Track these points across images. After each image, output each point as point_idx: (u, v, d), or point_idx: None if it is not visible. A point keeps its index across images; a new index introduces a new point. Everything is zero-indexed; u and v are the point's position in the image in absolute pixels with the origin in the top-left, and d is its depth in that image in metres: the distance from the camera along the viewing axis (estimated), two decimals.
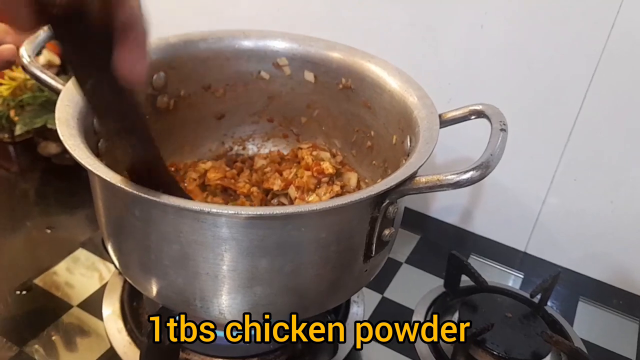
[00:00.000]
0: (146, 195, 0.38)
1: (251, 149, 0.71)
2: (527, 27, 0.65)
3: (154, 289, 0.47)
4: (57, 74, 0.87)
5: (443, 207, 0.81)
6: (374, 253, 0.46)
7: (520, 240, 0.78)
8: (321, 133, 0.68)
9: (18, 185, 0.81)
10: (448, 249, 0.66)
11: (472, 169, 0.41)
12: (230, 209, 0.40)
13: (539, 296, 0.64)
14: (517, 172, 0.74)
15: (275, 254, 0.42)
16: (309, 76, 0.64)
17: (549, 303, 0.66)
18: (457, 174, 0.40)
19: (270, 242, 0.41)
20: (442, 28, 0.70)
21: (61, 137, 0.44)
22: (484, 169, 0.41)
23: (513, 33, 0.66)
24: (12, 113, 0.82)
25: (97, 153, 0.53)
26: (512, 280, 0.72)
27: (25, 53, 0.53)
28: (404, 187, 0.42)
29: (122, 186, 0.39)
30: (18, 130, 0.79)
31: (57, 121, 0.46)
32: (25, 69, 0.53)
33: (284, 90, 0.66)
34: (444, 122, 0.52)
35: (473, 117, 0.52)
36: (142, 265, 0.47)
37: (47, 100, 0.79)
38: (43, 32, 0.55)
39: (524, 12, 0.64)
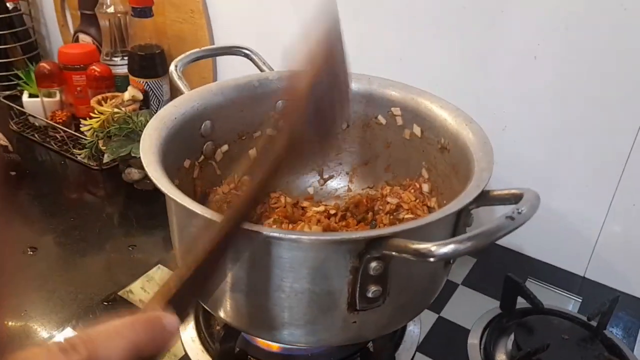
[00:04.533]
0: (210, 216, 0.43)
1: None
2: (581, 57, 0.67)
3: (218, 308, 0.52)
4: (140, 108, 0.97)
5: None
6: (358, 307, 0.46)
7: (579, 265, 0.78)
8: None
9: (104, 208, 0.89)
10: (504, 272, 0.67)
11: (455, 242, 0.39)
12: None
13: (597, 319, 0.64)
14: (575, 198, 0.75)
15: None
16: (417, 130, 0.66)
17: (609, 328, 0.66)
18: (437, 245, 0.39)
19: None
20: (496, 58, 0.73)
21: (144, 163, 0.50)
22: (469, 242, 0.39)
23: (567, 63, 0.68)
24: (100, 143, 0.91)
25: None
26: (571, 304, 0.72)
27: (174, 65, 0.67)
28: (379, 244, 0.42)
29: (192, 208, 0.44)
30: (106, 158, 0.88)
31: (141, 149, 0.53)
32: (171, 74, 0.66)
33: (397, 140, 0.69)
34: (482, 200, 0.49)
35: (512, 201, 0.47)
36: None
37: (132, 131, 0.88)
38: (190, 54, 0.68)
39: (577, 43, 0.67)
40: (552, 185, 0.75)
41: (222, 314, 0.52)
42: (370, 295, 0.46)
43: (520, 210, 0.42)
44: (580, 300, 0.73)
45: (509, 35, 0.71)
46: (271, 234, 0.43)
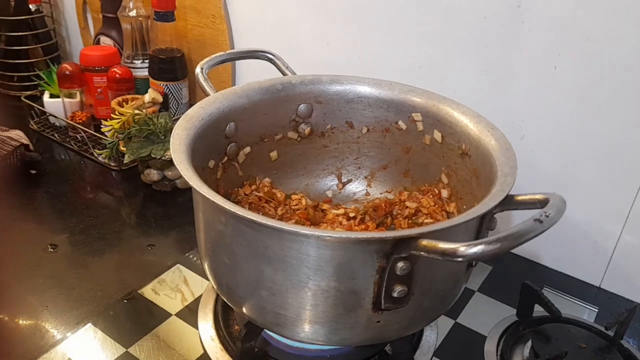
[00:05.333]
0: (241, 214, 0.44)
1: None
2: (601, 68, 0.68)
3: (242, 306, 0.53)
4: (159, 111, 0.98)
5: None
6: (383, 306, 0.47)
7: (595, 275, 0.78)
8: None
9: (123, 208, 0.90)
10: (520, 281, 0.68)
11: (484, 243, 0.40)
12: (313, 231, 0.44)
13: (614, 329, 0.64)
14: (592, 207, 0.75)
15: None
16: (437, 136, 0.66)
17: (625, 339, 0.66)
18: (466, 245, 0.40)
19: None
20: (516, 67, 0.74)
21: (175, 161, 0.51)
22: (497, 243, 0.40)
23: (587, 73, 0.69)
24: (121, 144, 0.92)
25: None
26: (587, 314, 0.73)
27: (199, 68, 0.68)
28: (407, 245, 0.43)
29: (219, 203, 0.45)
30: (126, 159, 0.89)
31: (171, 147, 0.53)
32: (197, 77, 0.67)
33: (417, 145, 0.70)
34: (507, 204, 0.50)
35: (537, 205, 0.48)
36: (230, 281, 0.53)
37: (152, 132, 0.89)
38: (215, 57, 0.70)
39: (598, 53, 0.67)
40: (569, 194, 0.74)
41: (245, 311, 0.53)
42: (395, 295, 0.46)
43: (548, 214, 0.43)
44: (597, 311, 0.73)
45: (529, 45, 0.72)
46: (300, 231, 0.44)
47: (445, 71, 0.80)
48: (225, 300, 0.56)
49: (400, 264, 0.45)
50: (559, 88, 0.72)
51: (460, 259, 0.40)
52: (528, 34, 0.71)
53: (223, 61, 0.71)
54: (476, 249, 0.40)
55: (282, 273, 0.48)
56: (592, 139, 0.72)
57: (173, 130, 0.56)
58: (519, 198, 0.50)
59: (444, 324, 0.68)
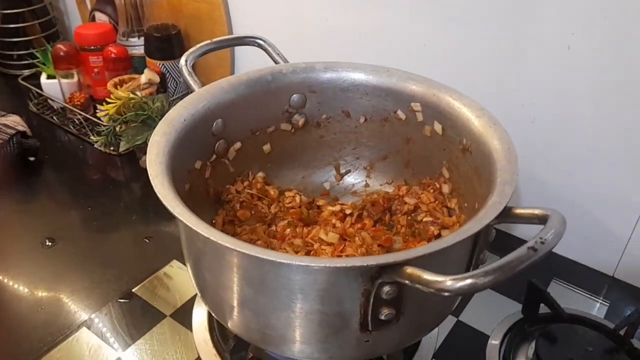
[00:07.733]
0: (215, 239, 0.41)
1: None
2: (619, 48, 0.62)
3: (228, 321, 0.51)
4: (158, 91, 0.95)
5: (527, 227, 0.79)
6: (370, 328, 0.45)
7: (609, 264, 0.74)
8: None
9: (122, 197, 0.88)
10: (530, 270, 0.64)
11: (473, 277, 0.37)
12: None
13: (624, 330, 0.61)
14: (607, 193, 0.70)
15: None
16: (438, 127, 0.62)
17: (636, 337, 0.63)
18: (454, 279, 0.37)
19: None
20: (528, 48, 0.68)
21: (150, 176, 0.48)
22: (487, 277, 0.37)
23: (601, 53, 0.63)
24: (117, 129, 0.90)
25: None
26: (597, 308, 0.69)
27: (184, 59, 0.64)
28: (392, 271, 0.40)
29: (193, 227, 0.43)
30: (122, 147, 0.87)
31: (147, 159, 0.50)
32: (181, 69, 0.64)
33: (417, 136, 0.65)
34: (503, 217, 0.45)
35: (536, 221, 0.44)
36: (214, 296, 0.51)
37: (148, 117, 0.86)
38: (201, 47, 0.66)
39: (612, 32, 0.61)
40: (583, 179, 0.71)
41: (231, 327, 0.51)
42: (383, 317, 0.44)
43: (543, 240, 0.39)
44: (607, 305, 0.70)
45: (542, 24, 0.66)
46: (282, 260, 0.41)
47: (453, 51, 0.75)
48: (211, 313, 0.55)
49: (386, 288, 0.42)
50: (572, 69, 0.66)
51: (446, 294, 0.37)
52: (541, 11, 0.65)
53: (208, 51, 0.67)
54: (464, 283, 0.37)
55: (264, 295, 0.46)
56: (607, 122, 0.66)
57: (151, 137, 0.53)
58: (517, 211, 0.46)
59: (446, 322, 0.66)
